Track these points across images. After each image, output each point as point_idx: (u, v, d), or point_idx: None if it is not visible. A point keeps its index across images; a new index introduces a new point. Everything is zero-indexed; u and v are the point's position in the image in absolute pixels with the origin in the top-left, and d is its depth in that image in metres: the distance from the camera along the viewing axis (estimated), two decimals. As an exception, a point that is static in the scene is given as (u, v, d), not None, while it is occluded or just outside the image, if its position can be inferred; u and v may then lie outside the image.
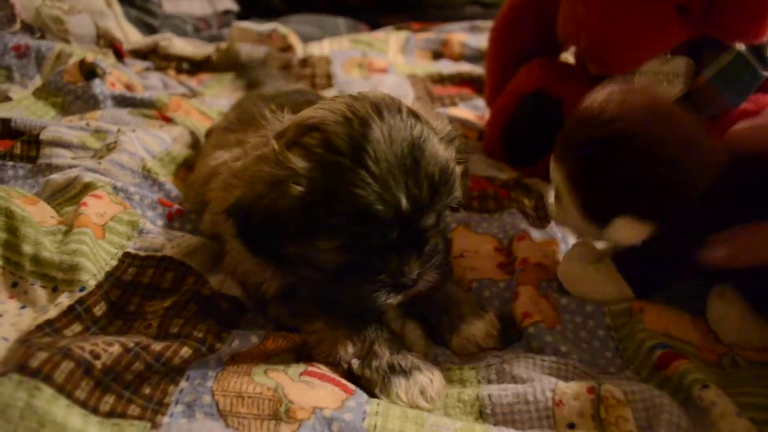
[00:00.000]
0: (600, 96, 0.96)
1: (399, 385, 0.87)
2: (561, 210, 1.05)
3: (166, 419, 0.77)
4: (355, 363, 0.91)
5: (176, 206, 1.27)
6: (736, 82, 1.31)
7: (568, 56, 1.76)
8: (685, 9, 1.26)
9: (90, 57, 1.85)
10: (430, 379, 0.88)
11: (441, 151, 0.86)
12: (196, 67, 2.52)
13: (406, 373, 0.89)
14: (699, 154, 0.89)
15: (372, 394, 0.87)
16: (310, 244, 0.85)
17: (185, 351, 0.83)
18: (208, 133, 1.46)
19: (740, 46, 1.29)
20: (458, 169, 0.90)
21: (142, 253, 1.06)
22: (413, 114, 0.87)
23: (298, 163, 0.82)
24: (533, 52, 1.64)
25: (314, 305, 0.95)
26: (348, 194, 0.79)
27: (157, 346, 0.82)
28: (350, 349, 0.92)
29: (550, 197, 1.15)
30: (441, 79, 2.26)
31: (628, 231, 0.94)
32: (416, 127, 0.85)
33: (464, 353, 0.99)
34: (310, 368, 0.89)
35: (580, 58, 1.55)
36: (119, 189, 1.21)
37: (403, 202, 0.81)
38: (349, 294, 0.89)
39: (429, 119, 0.90)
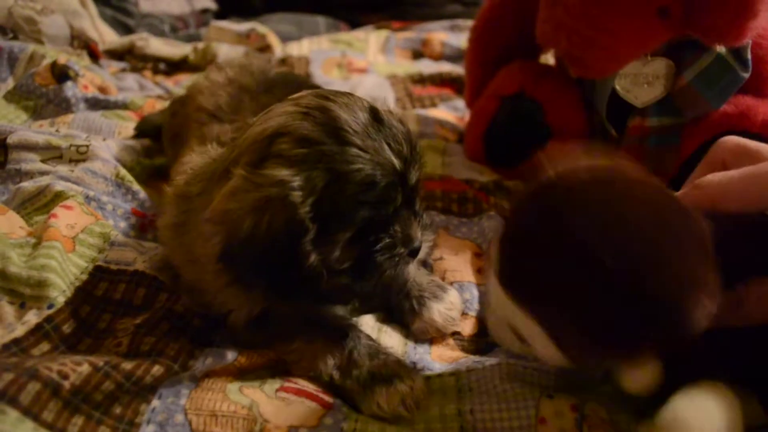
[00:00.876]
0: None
1: (380, 393, 0.85)
2: (522, 345, 0.76)
3: (137, 440, 0.75)
4: (336, 374, 0.88)
5: (149, 217, 1.24)
6: (717, 83, 1.30)
7: (549, 57, 1.75)
8: (665, 11, 1.25)
9: (62, 59, 1.81)
10: (410, 386, 0.85)
11: (392, 116, 0.88)
12: (174, 67, 2.49)
13: (386, 381, 0.86)
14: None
15: (354, 404, 0.86)
16: (331, 241, 0.83)
17: (157, 369, 0.81)
18: (195, 109, 1.27)
19: (721, 48, 1.28)
20: None
21: (113, 267, 1.03)
22: (346, 94, 0.88)
23: (281, 172, 0.79)
24: (513, 54, 1.63)
25: (289, 325, 0.93)
26: (350, 174, 0.79)
27: (128, 365, 0.80)
28: (330, 362, 0.89)
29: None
30: (421, 80, 2.24)
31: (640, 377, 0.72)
32: (360, 100, 0.87)
33: (425, 337, 1.00)
34: (287, 383, 0.87)
35: (561, 60, 1.54)
36: (91, 198, 1.18)
37: (394, 159, 0.83)
38: (374, 281, 0.89)
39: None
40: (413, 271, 1.00)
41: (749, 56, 1.29)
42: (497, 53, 1.66)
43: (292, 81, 1.45)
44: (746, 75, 1.30)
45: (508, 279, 0.69)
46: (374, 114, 0.84)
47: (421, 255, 0.95)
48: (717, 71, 1.30)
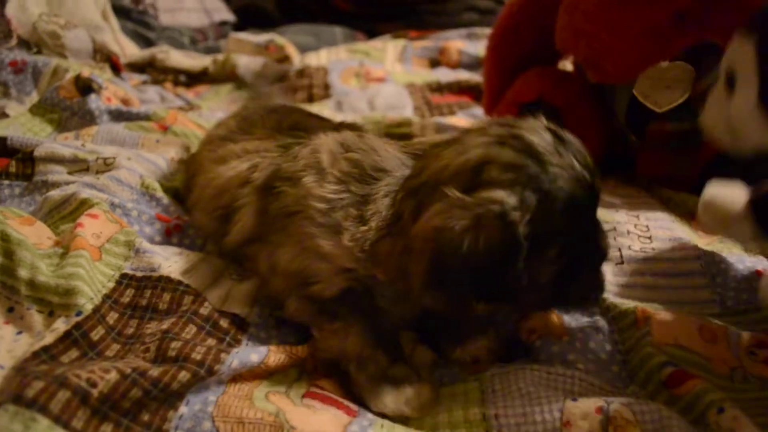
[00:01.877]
0: None
1: (387, 393, 0.89)
2: (725, 101, 0.92)
3: (165, 446, 0.76)
4: (353, 366, 0.91)
5: (174, 221, 1.25)
6: (737, 88, 1.30)
7: (567, 64, 1.75)
8: (683, 16, 1.25)
9: (86, 72, 1.84)
10: (418, 391, 0.90)
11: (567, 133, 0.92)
12: (194, 79, 2.52)
13: (396, 382, 0.90)
14: None
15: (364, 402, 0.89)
16: (541, 257, 0.86)
17: (183, 375, 0.81)
18: (205, 143, 1.39)
19: (740, 52, 1.28)
20: None
21: (139, 274, 1.04)
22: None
23: (497, 195, 0.82)
24: (531, 60, 1.63)
25: (347, 309, 0.96)
26: (556, 191, 0.84)
27: (155, 372, 0.80)
28: (356, 348, 0.92)
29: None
30: (439, 88, 2.25)
31: None
32: (536, 122, 0.91)
33: (463, 363, 0.99)
34: (312, 389, 0.88)
35: (579, 66, 1.54)
36: (116, 205, 1.20)
37: (587, 175, 0.87)
38: (574, 290, 0.94)
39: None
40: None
41: None
42: (515, 61, 1.67)
43: (287, 108, 1.54)
44: (767, 79, 1.29)
45: None
46: (555, 134, 0.88)
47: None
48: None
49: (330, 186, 0.96)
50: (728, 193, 1.01)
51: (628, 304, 1.02)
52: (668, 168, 1.45)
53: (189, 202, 1.28)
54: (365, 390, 0.90)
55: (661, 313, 0.98)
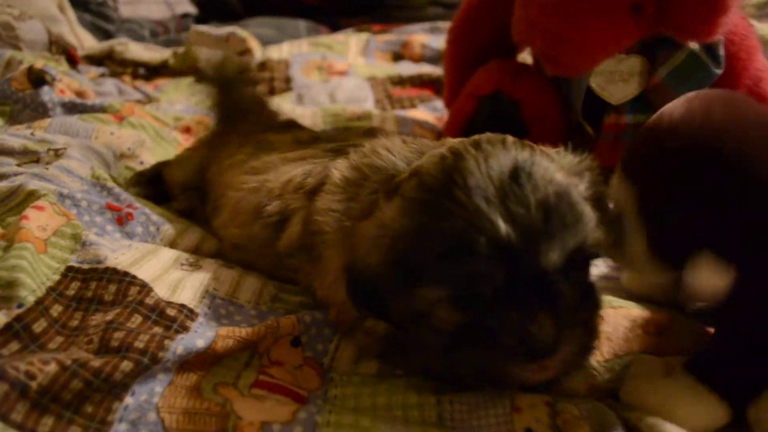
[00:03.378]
0: (679, 105, 0.82)
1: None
2: (623, 243, 0.85)
3: (109, 439, 0.74)
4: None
5: (125, 209, 1.24)
6: (690, 80, 1.32)
7: (527, 57, 1.76)
8: (638, 8, 1.26)
9: (39, 63, 1.80)
10: None
11: (558, 176, 0.74)
12: (153, 72, 2.49)
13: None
14: None
15: None
16: (412, 295, 0.76)
17: (126, 365, 0.79)
18: (224, 171, 1.31)
19: (693, 45, 1.30)
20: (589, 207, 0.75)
21: (85, 266, 1.02)
22: (523, 144, 0.77)
23: (391, 213, 0.77)
24: (491, 53, 1.64)
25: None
26: (435, 230, 0.71)
27: (96, 362, 0.79)
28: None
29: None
30: (400, 81, 2.25)
31: (706, 275, 0.77)
32: (522, 152, 0.75)
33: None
34: (261, 377, 0.87)
35: (537, 59, 1.55)
36: (65, 196, 1.17)
37: (500, 224, 0.68)
38: (468, 362, 0.77)
39: (547, 152, 0.80)
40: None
41: (722, 52, 1.31)
42: (475, 53, 1.67)
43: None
44: (719, 71, 1.31)
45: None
46: (519, 173, 0.71)
47: (561, 364, 0.75)
48: (690, 68, 1.31)
49: (333, 197, 0.95)
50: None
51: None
52: (624, 160, 1.47)
53: (217, 224, 1.23)
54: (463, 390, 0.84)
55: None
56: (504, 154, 0.74)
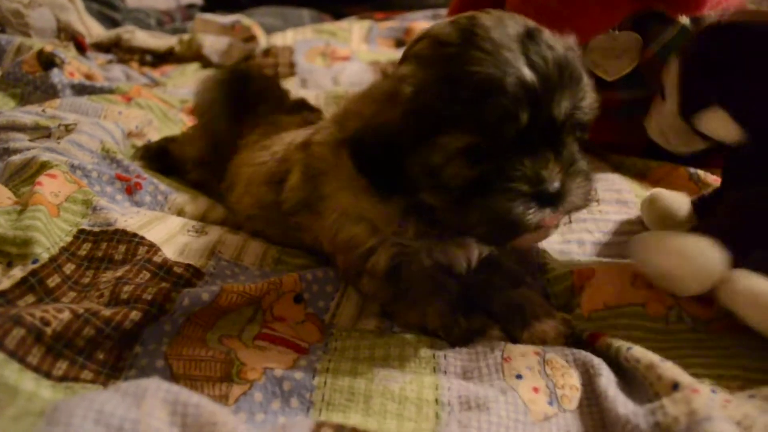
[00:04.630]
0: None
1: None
2: (661, 108, 1.08)
3: (120, 383, 0.78)
4: (440, 332, 0.94)
5: (134, 179, 1.28)
6: (682, 55, 1.35)
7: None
8: (629, -17, 1.29)
9: (49, 47, 1.84)
10: (500, 335, 0.93)
11: (560, 44, 0.81)
12: (160, 59, 2.53)
13: (481, 332, 0.93)
14: None
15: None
16: (433, 146, 0.77)
17: (135, 314, 0.84)
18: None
19: (684, 20, 1.32)
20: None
21: (96, 229, 1.07)
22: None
23: (407, 69, 0.80)
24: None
25: (420, 289, 0.95)
26: (464, 75, 0.74)
27: (107, 312, 0.83)
28: (437, 320, 0.94)
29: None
30: (402, 66, 2.28)
31: (716, 123, 0.96)
32: (528, 21, 0.82)
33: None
34: (264, 330, 0.91)
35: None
36: (76, 167, 1.22)
37: (525, 70, 0.74)
38: (482, 213, 0.79)
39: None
40: (526, 291, 0.98)
41: (713, 27, 1.34)
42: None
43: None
44: (710, 46, 1.34)
45: None
46: (529, 32, 0.78)
47: (569, 205, 0.81)
48: (682, 42, 1.33)
49: (327, 131, 0.98)
50: (672, 196, 1.12)
51: (563, 268, 1.05)
52: (619, 135, 1.50)
53: (233, 197, 1.25)
54: (458, 345, 0.92)
55: (595, 276, 1.02)
56: (515, 20, 0.80)
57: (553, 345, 0.91)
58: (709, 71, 0.97)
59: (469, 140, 0.76)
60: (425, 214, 0.87)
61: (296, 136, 1.14)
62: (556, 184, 0.77)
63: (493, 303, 0.98)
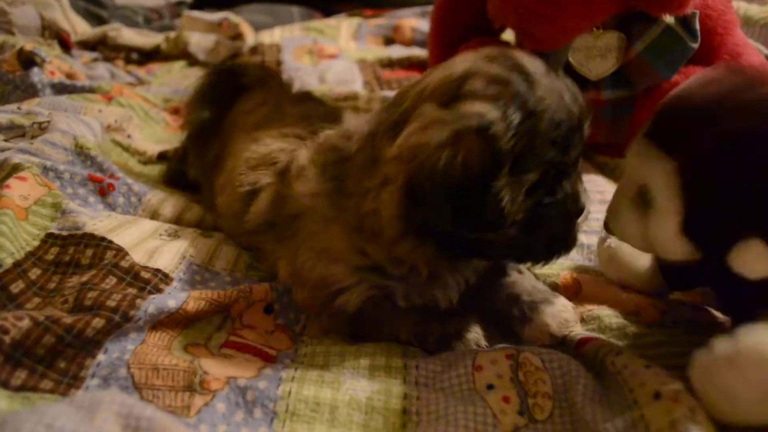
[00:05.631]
0: (729, 74, 0.76)
1: (455, 347, 0.90)
2: (648, 228, 0.81)
3: (80, 392, 0.77)
4: (415, 342, 0.92)
5: (107, 180, 1.26)
6: (667, 54, 1.33)
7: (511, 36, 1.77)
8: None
9: (29, 45, 1.82)
10: (479, 335, 0.91)
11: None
12: (146, 57, 2.50)
13: (458, 336, 0.91)
14: None
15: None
16: (521, 180, 0.79)
17: (97, 322, 0.82)
18: (234, 129, 1.29)
19: (669, 19, 1.31)
20: None
21: (64, 233, 1.05)
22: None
23: (479, 106, 0.78)
24: (473, 33, 1.64)
25: (389, 323, 0.93)
26: (542, 112, 0.78)
27: (68, 319, 0.81)
28: (409, 335, 0.93)
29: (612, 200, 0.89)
30: (390, 64, 2.27)
31: (755, 262, 0.71)
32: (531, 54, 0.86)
33: (539, 344, 0.91)
34: (232, 338, 0.89)
35: (517, 36, 1.56)
36: (49, 168, 1.20)
37: (574, 108, 0.82)
38: (542, 237, 0.85)
39: None
40: (517, 276, 0.99)
41: (697, 26, 1.32)
42: (458, 33, 1.68)
43: (316, 99, 1.49)
44: (695, 45, 1.32)
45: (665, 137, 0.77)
46: (549, 69, 0.84)
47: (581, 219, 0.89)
48: (666, 42, 1.32)
49: (313, 181, 0.94)
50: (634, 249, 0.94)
51: (552, 272, 1.05)
52: (603, 136, 1.48)
53: (217, 185, 1.20)
54: (435, 352, 0.90)
55: (587, 278, 1.01)
56: (527, 57, 0.84)
57: (558, 335, 0.91)
58: (745, 194, 0.70)
59: (540, 172, 0.80)
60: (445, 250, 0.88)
61: (272, 149, 1.10)
62: (584, 203, 0.88)
63: (485, 302, 0.97)
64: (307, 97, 1.46)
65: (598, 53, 1.38)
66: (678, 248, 0.77)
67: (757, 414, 0.67)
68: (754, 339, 0.68)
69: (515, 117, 0.76)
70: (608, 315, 0.95)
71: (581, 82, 1.41)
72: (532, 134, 0.77)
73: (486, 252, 0.89)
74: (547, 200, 0.83)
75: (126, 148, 1.52)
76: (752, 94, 0.71)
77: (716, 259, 0.74)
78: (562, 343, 0.91)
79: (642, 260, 1.00)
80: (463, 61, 0.84)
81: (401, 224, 0.84)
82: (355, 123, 0.97)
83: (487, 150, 0.76)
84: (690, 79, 0.81)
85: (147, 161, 1.53)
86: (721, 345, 0.70)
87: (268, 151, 1.10)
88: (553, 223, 0.84)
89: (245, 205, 1.07)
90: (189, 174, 1.40)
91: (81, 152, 1.31)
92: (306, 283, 0.95)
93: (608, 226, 0.89)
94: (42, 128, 1.36)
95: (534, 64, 0.82)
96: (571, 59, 1.39)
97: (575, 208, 0.86)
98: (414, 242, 0.86)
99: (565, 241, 0.88)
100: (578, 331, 0.94)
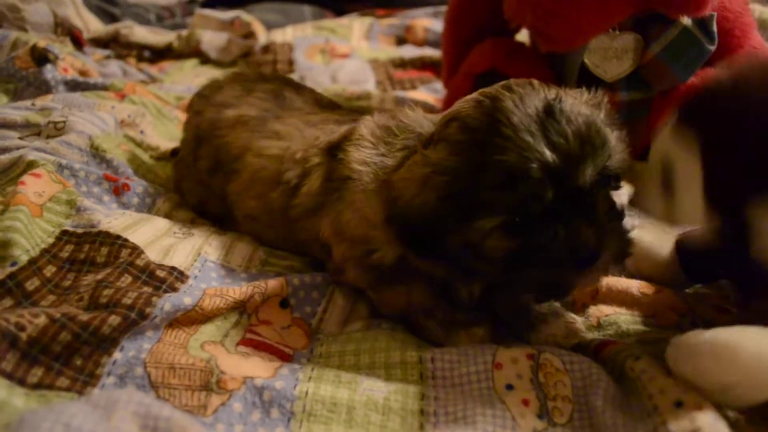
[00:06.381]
0: (756, 61, 0.84)
1: (460, 334, 0.92)
2: (673, 199, 0.86)
3: (96, 390, 0.76)
4: (421, 317, 0.96)
5: (122, 180, 1.26)
6: (683, 56, 1.32)
7: (526, 36, 1.76)
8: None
9: (42, 42, 1.82)
10: (486, 331, 0.93)
11: (583, 108, 0.83)
12: (158, 55, 2.50)
13: (465, 325, 0.93)
14: None
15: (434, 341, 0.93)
16: (470, 228, 0.82)
17: (113, 319, 0.82)
18: (233, 125, 1.25)
19: (686, 21, 1.30)
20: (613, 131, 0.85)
21: (79, 230, 1.04)
22: (546, 85, 0.85)
23: (440, 154, 0.84)
24: (487, 33, 1.64)
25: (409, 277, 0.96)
26: (489, 164, 0.78)
27: (85, 316, 0.81)
28: (421, 300, 0.96)
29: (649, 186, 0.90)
30: (402, 64, 2.26)
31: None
32: (550, 91, 0.83)
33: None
34: (249, 335, 0.89)
35: (532, 36, 1.56)
36: (64, 166, 1.20)
37: (547, 153, 0.78)
38: (527, 279, 0.84)
39: (569, 91, 0.87)
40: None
41: (715, 29, 1.31)
42: (471, 32, 1.67)
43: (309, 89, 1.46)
44: (712, 47, 1.31)
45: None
46: (552, 108, 0.80)
47: (605, 263, 0.85)
48: (683, 44, 1.31)
49: (366, 150, 0.99)
50: (654, 238, 1.02)
51: None
52: (618, 137, 1.47)
53: (233, 192, 1.19)
54: (437, 334, 0.94)
55: (599, 295, 1.01)
56: (535, 94, 0.82)
57: (565, 345, 0.91)
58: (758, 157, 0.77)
59: (500, 219, 0.81)
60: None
61: (319, 133, 1.12)
62: (590, 247, 0.81)
63: (497, 305, 0.97)
64: (289, 81, 1.44)
65: (614, 55, 1.37)
66: (699, 214, 0.82)
67: (719, 399, 0.73)
68: (714, 335, 0.74)
69: (463, 168, 0.80)
70: (626, 320, 0.95)
71: (596, 83, 1.41)
72: (478, 186, 0.80)
73: (484, 277, 0.92)
74: (529, 244, 0.81)
75: (139, 144, 1.51)
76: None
77: (734, 223, 0.80)
78: (581, 350, 0.90)
79: (662, 251, 1.01)
80: (462, 101, 0.87)
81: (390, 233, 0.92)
82: (412, 116, 1.01)
83: (438, 196, 0.82)
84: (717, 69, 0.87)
85: (159, 156, 1.53)
86: (695, 335, 0.75)
87: (311, 137, 1.12)
88: (537, 266, 0.82)
89: (289, 198, 1.09)
90: (183, 187, 1.36)
91: (96, 153, 1.31)
92: (348, 239, 1.00)
93: (635, 204, 0.93)
94: (58, 129, 1.36)
95: (519, 108, 0.80)
96: (586, 60, 1.38)
97: (568, 255, 0.81)
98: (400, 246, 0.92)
99: (555, 287, 0.86)
100: (591, 337, 0.93)
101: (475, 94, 0.87)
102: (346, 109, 1.31)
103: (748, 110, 0.78)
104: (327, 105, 1.31)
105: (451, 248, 0.85)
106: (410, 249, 0.90)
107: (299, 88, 1.37)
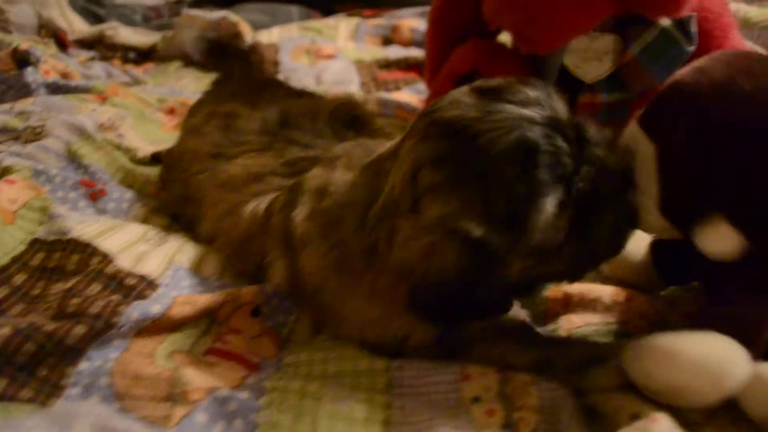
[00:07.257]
0: (717, 65, 0.79)
1: None
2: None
3: (60, 401, 0.76)
4: None
5: (99, 186, 1.26)
6: (662, 57, 1.31)
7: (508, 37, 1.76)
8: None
9: (24, 44, 1.82)
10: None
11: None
12: (143, 56, 2.49)
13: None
14: None
15: None
16: (526, 236, 0.74)
17: (78, 329, 0.81)
18: (191, 160, 1.20)
19: (665, 22, 1.29)
20: None
21: (51, 238, 1.04)
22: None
23: (437, 209, 0.74)
24: (470, 34, 1.63)
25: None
26: (492, 165, 0.71)
27: (50, 326, 0.81)
28: None
29: None
30: (387, 65, 2.26)
31: (716, 240, 0.77)
32: (460, 89, 0.79)
33: None
34: (217, 344, 0.88)
35: (513, 38, 1.55)
36: (40, 172, 1.20)
37: (540, 112, 0.73)
38: (600, 235, 0.80)
39: None
40: None
41: (694, 29, 1.30)
42: (455, 33, 1.67)
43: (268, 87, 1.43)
44: (691, 49, 1.31)
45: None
46: (480, 92, 0.76)
47: None
48: (662, 45, 1.31)
49: (317, 256, 0.89)
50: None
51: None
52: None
53: (203, 231, 1.12)
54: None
55: (575, 289, 0.99)
56: (455, 96, 0.77)
57: None
58: (705, 174, 0.76)
59: (554, 194, 0.73)
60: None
61: (259, 208, 1.01)
62: (625, 160, 0.82)
63: None
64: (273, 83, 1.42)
65: (593, 56, 1.36)
66: (657, 225, 0.83)
67: (666, 399, 0.74)
68: (657, 339, 0.76)
69: (475, 196, 0.72)
70: (596, 333, 0.93)
71: (576, 84, 1.41)
72: (497, 193, 0.71)
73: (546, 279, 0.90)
74: (587, 199, 0.76)
75: (117, 147, 1.50)
76: (734, 86, 0.75)
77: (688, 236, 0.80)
78: None
79: (635, 254, 1.00)
80: (407, 153, 0.78)
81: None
82: (341, 179, 0.90)
83: (461, 247, 0.74)
84: (684, 68, 0.85)
85: (139, 161, 1.52)
86: (646, 339, 0.77)
87: (252, 215, 1.01)
88: (603, 214, 0.79)
89: (260, 271, 1.00)
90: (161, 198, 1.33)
91: (74, 158, 1.31)
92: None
93: None
94: (36, 134, 1.36)
95: (463, 109, 0.74)
96: (566, 61, 1.37)
97: (619, 181, 0.80)
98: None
99: (629, 217, 0.82)
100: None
101: (407, 144, 0.79)
102: (289, 136, 1.15)
103: (708, 117, 0.76)
104: (272, 129, 1.17)
105: (501, 285, 0.79)
106: (440, 321, 0.83)
107: (257, 101, 1.27)
